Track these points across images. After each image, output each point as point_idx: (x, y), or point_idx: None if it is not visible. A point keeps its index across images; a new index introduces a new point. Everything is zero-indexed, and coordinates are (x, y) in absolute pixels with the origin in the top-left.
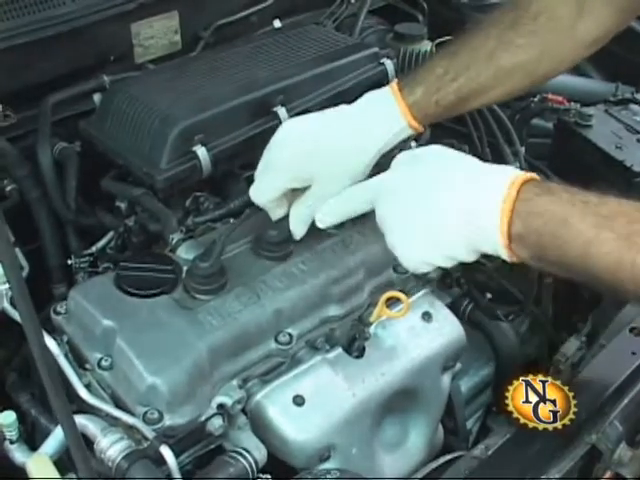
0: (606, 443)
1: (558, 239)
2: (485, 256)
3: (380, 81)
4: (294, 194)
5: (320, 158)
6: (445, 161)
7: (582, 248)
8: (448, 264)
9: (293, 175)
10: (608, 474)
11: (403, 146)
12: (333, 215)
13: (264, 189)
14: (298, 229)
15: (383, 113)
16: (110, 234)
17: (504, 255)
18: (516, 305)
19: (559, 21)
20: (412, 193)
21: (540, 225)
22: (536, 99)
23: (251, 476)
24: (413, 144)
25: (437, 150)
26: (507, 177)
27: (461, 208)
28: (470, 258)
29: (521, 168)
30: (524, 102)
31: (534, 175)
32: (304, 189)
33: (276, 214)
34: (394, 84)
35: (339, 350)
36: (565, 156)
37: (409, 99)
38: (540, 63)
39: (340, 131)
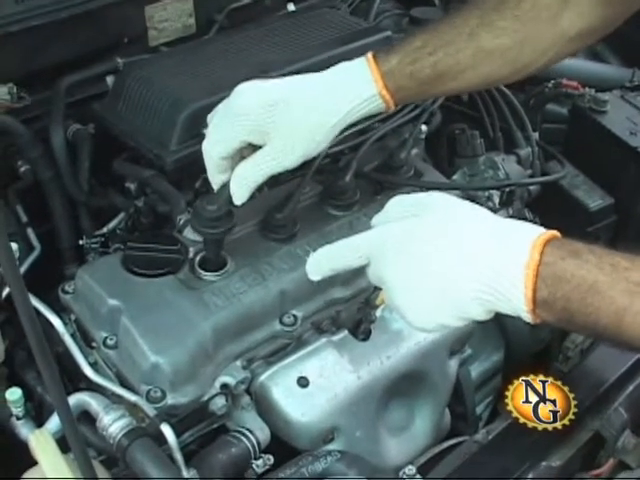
0: (610, 430)
1: (588, 306)
2: None
3: None
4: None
5: (282, 111)
6: (454, 215)
7: (614, 316)
8: (462, 324)
9: (251, 126)
10: (611, 461)
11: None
12: (321, 268)
13: (219, 139)
14: (240, 192)
15: (354, 78)
16: (121, 215)
17: (527, 319)
18: None
19: (543, 9)
20: (420, 252)
21: (567, 291)
22: (550, 84)
23: (253, 456)
24: (424, 127)
25: (442, 200)
26: (528, 238)
27: (479, 271)
28: (487, 317)
29: (533, 153)
30: (538, 87)
31: (555, 233)
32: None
33: (217, 179)
34: (369, 54)
35: (345, 332)
36: (579, 142)
37: (383, 67)
38: (521, 51)
39: (307, 88)
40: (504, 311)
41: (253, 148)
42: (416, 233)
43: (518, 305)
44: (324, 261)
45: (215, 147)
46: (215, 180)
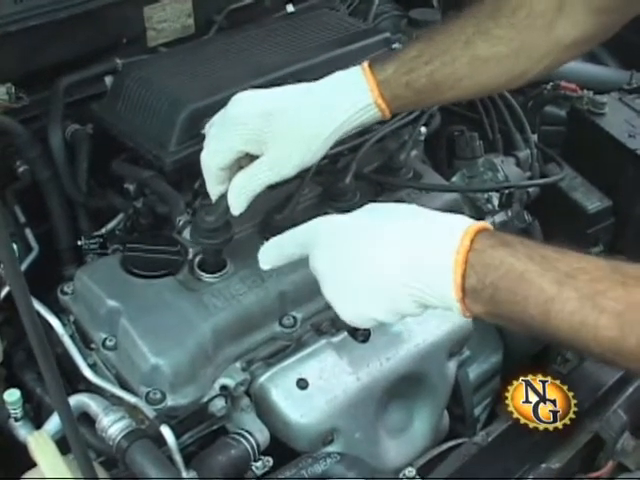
0: (609, 432)
1: (516, 295)
2: None
3: None
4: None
5: (277, 121)
6: (387, 211)
7: (542, 305)
8: (393, 320)
9: (248, 135)
10: (610, 464)
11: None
12: (270, 257)
13: (216, 150)
14: (237, 202)
15: (349, 87)
16: (120, 216)
17: (457, 310)
18: None
19: (538, 17)
20: (348, 244)
21: (496, 279)
22: (549, 87)
23: (253, 458)
24: (423, 129)
25: (378, 204)
26: (458, 227)
27: (406, 262)
28: (418, 313)
29: (532, 156)
30: (537, 89)
31: (487, 224)
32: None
33: (216, 190)
34: (365, 63)
35: (344, 334)
36: (577, 144)
37: (379, 76)
38: (517, 59)
39: (303, 97)
40: (434, 303)
41: (251, 158)
42: (346, 226)
43: (447, 293)
44: (272, 250)
45: (213, 158)
46: (213, 191)
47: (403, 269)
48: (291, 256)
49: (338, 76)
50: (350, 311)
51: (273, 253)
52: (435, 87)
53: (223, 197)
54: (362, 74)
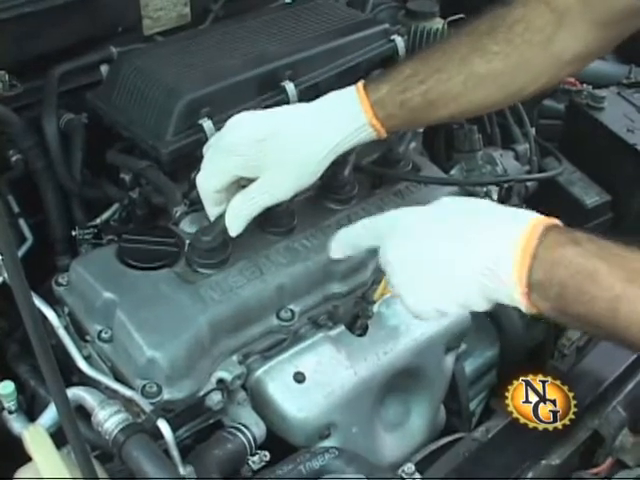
0: (608, 428)
1: (585, 294)
2: None
3: (390, 58)
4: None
5: (273, 145)
6: (463, 206)
7: (610, 304)
8: (461, 312)
9: (243, 161)
10: (609, 460)
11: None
12: (340, 248)
13: (212, 174)
14: (235, 224)
15: (343, 108)
16: (115, 206)
17: (522, 305)
18: None
19: (536, 32)
20: (425, 237)
21: (565, 277)
22: None
23: (249, 452)
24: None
25: (457, 198)
26: (526, 222)
27: (476, 256)
28: (485, 307)
29: (531, 149)
30: None
31: (556, 221)
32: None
33: (214, 211)
34: (359, 83)
35: (342, 328)
36: (576, 138)
37: (372, 96)
38: (515, 76)
39: (297, 121)
40: (501, 297)
41: (250, 179)
42: (422, 220)
43: (513, 288)
44: (345, 239)
45: (209, 181)
46: (211, 212)
47: (472, 263)
48: (365, 245)
49: (332, 97)
50: (417, 304)
51: (346, 243)
52: (430, 105)
53: (220, 217)
54: (356, 95)
